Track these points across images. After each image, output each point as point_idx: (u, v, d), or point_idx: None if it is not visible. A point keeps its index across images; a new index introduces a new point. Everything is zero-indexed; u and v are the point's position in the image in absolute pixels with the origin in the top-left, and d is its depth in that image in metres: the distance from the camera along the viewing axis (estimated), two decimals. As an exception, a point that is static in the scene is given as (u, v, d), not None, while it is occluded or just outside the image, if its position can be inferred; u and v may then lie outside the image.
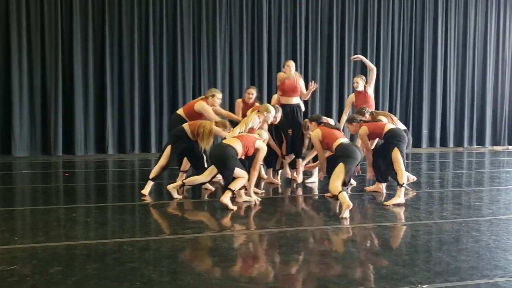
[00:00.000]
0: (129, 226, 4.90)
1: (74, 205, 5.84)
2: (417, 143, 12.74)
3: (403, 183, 5.83)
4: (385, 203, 5.78)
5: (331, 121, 6.89)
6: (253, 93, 7.31)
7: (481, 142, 13.67)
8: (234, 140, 5.67)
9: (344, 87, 12.13)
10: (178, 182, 6.03)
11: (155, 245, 4.17)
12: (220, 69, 11.23)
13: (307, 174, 7.55)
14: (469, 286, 3.31)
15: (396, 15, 12.73)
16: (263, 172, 7.31)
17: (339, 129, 6.04)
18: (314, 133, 5.98)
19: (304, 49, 11.92)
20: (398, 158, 5.92)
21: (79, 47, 10.28)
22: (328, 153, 6.09)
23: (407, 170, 7.04)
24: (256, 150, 5.78)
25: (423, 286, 3.28)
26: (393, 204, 5.73)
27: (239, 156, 5.64)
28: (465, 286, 3.31)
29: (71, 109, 10.29)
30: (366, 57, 12.24)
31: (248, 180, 5.75)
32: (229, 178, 5.56)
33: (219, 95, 6.79)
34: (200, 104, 6.61)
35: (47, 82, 10.15)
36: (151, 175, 6.29)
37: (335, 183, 5.32)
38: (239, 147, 5.59)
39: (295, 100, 7.14)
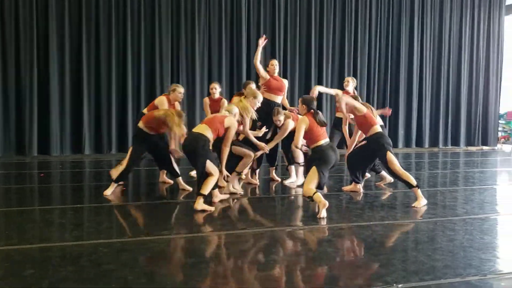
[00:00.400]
0: (105, 228, 4.84)
1: (49, 206, 5.75)
2: (393, 143, 12.81)
3: (416, 184, 5.85)
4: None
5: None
6: (216, 87, 7.33)
7: (455, 142, 13.94)
8: (202, 127, 5.62)
9: (322, 85, 12.20)
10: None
11: (132, 247, 4.13)
12: (198, 69, 11.21)
13: (285, 174, 7.57)
14: (443, 285, 3.35)
15: (374, 18, 12.90)
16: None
17: (326, 125, 5.72)
18: (302, 119, 5.62)
19: (283, 49, 11.98)
20: (395, 161, 5.93)
21: (55, 44, 10.16)
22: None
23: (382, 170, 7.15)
24: (227, 129, 5.72)
25: (399, 286, 3.31)
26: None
27: (211, 141, 5.60)
28: (440, 284, 3.36)
29: (47, 108, 10.15)
30: (343, 59, 12.49)
31: (220, 157, 5.71)
32: (203, 170, 5.48)
33: (179, 89, 6.81)
34: (159, 99, 6.73)
35: (22, 80, 10.00)
36: (114, 176, 6.26)
37: (309, 185, 5.33)
38: (209, 134, 5.56)
39: (279, 99, 7.13)
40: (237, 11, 11.51)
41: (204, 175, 5.49)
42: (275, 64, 7.15)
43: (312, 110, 5.63)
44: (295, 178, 7.27)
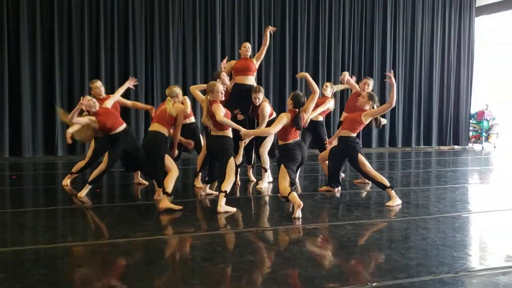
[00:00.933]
0: (80, 230, 4.79)
1: (21, 209, 5.65)
2: (367, 143, 13.06)
3: (389, 185, 5.93)
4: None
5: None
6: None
7: (428, 142, 14.18)
8: (155, 125, 5.80)
9: (297, 87, 12.26)
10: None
11: (106, 249, 4.09)
12: (173, 68, 11.14)
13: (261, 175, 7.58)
14: (416, 283, 3.41)
15: (347, 18, 13.01)
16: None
17: (300, 129, 5.61)
18: (285, 114, 5.49)
19: (257, 49, 11.96)
20: (367, 163, 6.00)
21: (27, 43, 9.98)
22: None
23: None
24: (176, 116, 5.83)
25: (373, 284, 3.36)
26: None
27: (167, 135, 5.80)
28: (413, 282, 3.42)
29: (18, 108, 9.95)
30: (317, 61, 12.57)
31: (173, 140, 5.91)
32: (157, 170, 5.69)
33: (94, 85, 6.74)
34: None
35: (-8, 81, 9.79)
36: (90, 178, 6.20)
37: (282, 184, 5.37)
38: (162, 129, 5.74)
39: (250, 80, 6.91)
40: (212, 10, 11.47)
41: (158, 173, 5.69)
42: (247, 47, 6.99)
43: (296, 110, 5.53)
44: (271, 178, 7.28)
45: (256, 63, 7.04)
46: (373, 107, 6.25)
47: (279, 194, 5.92)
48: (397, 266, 3.72)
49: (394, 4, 13.52)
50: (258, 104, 6.67)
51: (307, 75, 5.74)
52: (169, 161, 5.64)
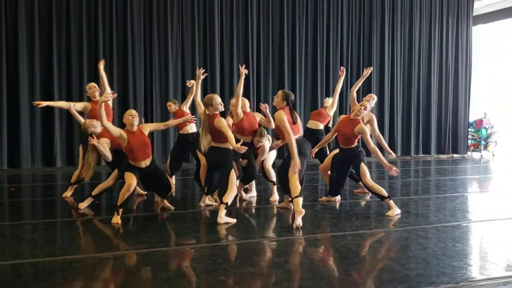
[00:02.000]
0: (79, 243, 4.78)
1: (19, 221, 5.63)
2: (366, 152, 13.01)
3: (387, 195, 5.92)
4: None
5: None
6: (170, 105, 7.50)
7: (427, 150, 14.21)
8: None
9: (296, 92, 12.26)
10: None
11: (106, 262, 4.08)
12: (172, 75, 11.16)
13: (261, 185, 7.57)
14: (417, 294, 3.41)
15: (345, 28, 13.07)
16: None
17: (296, 123, 5.55)
18: (281, 113, 5.42)
19: (256, 55, 12.02)
20: (367, 173, 6.02)
21: (25, 51, 10.02)
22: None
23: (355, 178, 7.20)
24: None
25: (374, 295, 3.35)
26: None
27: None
28: (414, 293, 3.41)
29: (17, 119, 9.96)
30: (317, 67, 12.60)
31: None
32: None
33: (88, 86, 7.07)
34: None
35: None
36: (94, 192, 6.16)
37: (293, 179, 5.32)
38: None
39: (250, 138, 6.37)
40: (210, 17, 11.50)
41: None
42: (245, 101, 6.36)
43: (288, 107, 5.52)
44: (255, 193, 7.07)
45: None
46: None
47: (277, 205, 5.92)
48: (397, 277, 3.71)
49: (391, 14, 13.59)
50: (258, 146, 6.34)
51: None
52: (126, 175, 5.50)
